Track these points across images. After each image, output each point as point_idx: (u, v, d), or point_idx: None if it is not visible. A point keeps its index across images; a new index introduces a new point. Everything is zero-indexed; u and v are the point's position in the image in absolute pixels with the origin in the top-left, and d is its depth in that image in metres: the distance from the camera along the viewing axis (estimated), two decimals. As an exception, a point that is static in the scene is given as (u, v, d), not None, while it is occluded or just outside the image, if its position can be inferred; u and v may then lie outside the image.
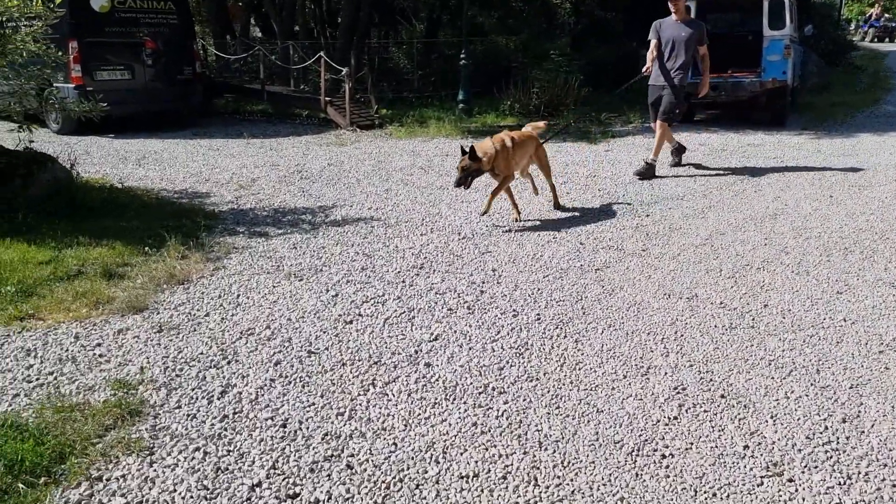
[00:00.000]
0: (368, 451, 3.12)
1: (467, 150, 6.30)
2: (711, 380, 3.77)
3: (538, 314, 4.62)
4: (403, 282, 5.20)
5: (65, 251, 5.54)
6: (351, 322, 4.47)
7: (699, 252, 5.87)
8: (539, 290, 5.06)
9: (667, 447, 3.19)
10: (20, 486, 2.75)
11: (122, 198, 7.40)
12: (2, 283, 4.79)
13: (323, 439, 3.20)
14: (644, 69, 8.63)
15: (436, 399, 3.57)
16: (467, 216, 7.01)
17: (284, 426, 3.29)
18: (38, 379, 3.68)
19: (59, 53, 7.21)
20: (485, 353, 4.07)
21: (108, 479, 2.87)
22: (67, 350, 4.01)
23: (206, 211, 7.16)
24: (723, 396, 3.60)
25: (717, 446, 3.19)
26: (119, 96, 11.39)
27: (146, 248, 5.73)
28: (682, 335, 4.30)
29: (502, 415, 3.44)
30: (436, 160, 10.15)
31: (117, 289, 4.91)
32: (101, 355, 3.96)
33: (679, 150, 9.32)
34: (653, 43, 8.50)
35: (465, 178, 6.33)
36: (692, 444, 3.21)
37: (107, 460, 2.99)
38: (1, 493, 2.70)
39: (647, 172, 8.63)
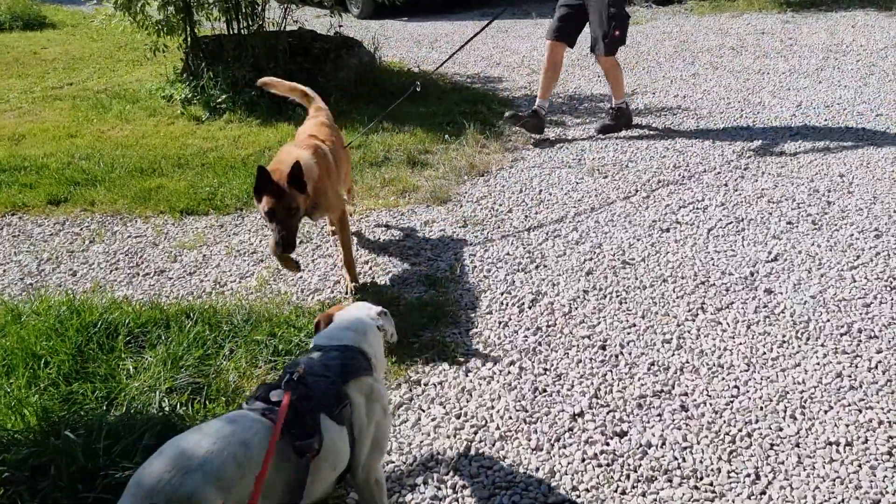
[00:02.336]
0: (705, 392, 2.67)
1: (281, 177, 2.94)
2: None
3: (911, 237, 3.69)
4: (725, 185, 4.48)
5: (371, 136, 5.64)
6: (668, 230, 3.94)
7: None
8: (908, 205, 4.05)
9: None
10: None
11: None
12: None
13: (649, 370, 2.81)
14: None
15: (784, 337, 2.96)
16: (798, 107, 5.90)
17: (604, 348, 2.96)
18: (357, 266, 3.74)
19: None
20: (843, 283, 3.32)
21: (425, 384, 2.78)
22: (380, 238, 4.04)
23: (500, 97, 6.90)
24: None
25: None
26: (413, -22, 11.42)
27: (445, 136, 5.64)
28: None
29: (876, 367, 2.75)
30: (749, 39, 8.78)
31: (421, 177, 4.87)
32: (409, 247, 3.92)
33: (622, 113, 5.63)
34: None
35: (295, 233, 3.04)
36: None
37: (423, 362, 2.91)
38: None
39: (619, 121, 5.66)
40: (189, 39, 6.85)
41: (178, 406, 2.55)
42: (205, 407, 2.57)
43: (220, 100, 6.40)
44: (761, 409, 2.57)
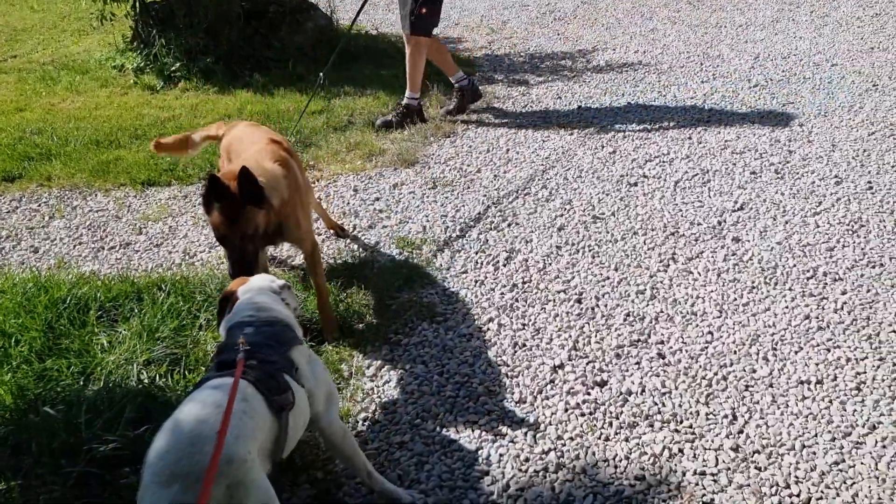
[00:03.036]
0: (680, 339, 2.73)
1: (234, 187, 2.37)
2: None
3: (869, 182, 3.79)
4: (689, 138, 4.54)
5: (333, 100, 5.56)
6: (635, 184, 3.98)
7: None
8: (866, 151, 4.15)
9: None
10: (327, 346, 2.77)
11: (379, 44, 7.28)
12: (283, 132, 4.90)
13: (625, 320, 2.86)
14: None
15: (753, 282, 3.04)
16: (756, 59, 5.97)
17: (580, 301, 3.00)
18: (327, 232, 3.70)
19: None
20: (807, 229, 3.41)
21: (406, 345, 2.80)
22: (349, 203, 4.00)
23: (461, 57, 6.82)
24: None
25: None
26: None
27: (409, 98, 5.57)
28: None
29: (842, 308, 2.84)
30: (705, -7, 8.81)
31: (386, 140, 4.82)
32: (380, 210, 3.90)
33: (464, 93, 5.22)
34: None
35: (254, 257, 2.48)
36: None
37: (402, 323, 2.92)
38: (310, 349, 2.72)
39: (400, 118, 5.06)
40: (137, 6, 6.60)
41: (157, 378, 2.52)
42: (185, 377, 2.55)
43: (174, 68, 6.21)
44: (735, 352, 2.64)
